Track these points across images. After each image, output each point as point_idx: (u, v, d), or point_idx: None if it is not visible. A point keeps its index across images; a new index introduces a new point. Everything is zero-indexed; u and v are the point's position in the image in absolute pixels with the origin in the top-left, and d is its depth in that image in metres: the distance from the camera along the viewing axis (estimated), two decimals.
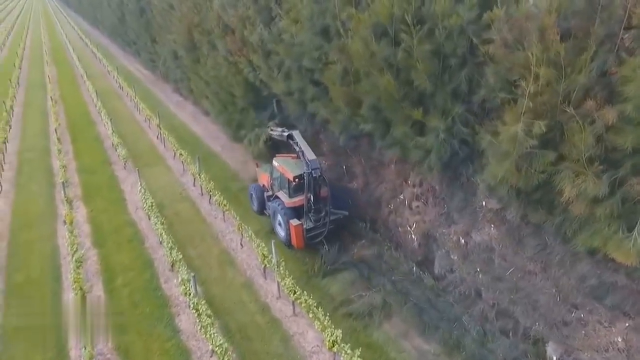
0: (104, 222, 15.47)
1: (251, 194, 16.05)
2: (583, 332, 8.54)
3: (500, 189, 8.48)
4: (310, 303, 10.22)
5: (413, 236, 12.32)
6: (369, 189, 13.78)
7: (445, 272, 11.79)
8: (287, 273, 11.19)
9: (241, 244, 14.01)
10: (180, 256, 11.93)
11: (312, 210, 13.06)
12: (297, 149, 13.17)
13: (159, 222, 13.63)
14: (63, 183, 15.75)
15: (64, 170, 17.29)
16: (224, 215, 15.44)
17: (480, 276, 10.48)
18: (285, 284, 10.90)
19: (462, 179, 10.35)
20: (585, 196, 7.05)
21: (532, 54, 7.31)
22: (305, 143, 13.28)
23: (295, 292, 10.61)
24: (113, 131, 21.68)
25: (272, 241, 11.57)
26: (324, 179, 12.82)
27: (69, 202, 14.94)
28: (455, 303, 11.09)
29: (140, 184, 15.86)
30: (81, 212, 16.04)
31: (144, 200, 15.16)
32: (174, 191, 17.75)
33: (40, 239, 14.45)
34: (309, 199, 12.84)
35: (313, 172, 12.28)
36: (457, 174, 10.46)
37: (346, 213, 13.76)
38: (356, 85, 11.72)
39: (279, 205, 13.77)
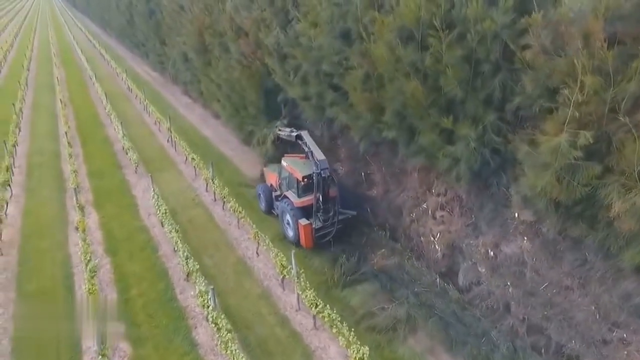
0: (116, 228, 15.16)
1: (259, 194, 16.09)
2: (625, 352, 8.10)
3: (538, 201, 8.07)
4: (334, 317, 9.84)
5: (437, 246, 11.92)
6: (389, 197, 13.39)
7: (470, 284, 11.39)
8: (307, 285, 10.81)
9: (257, 253, 13.65)
10: (197, 266, 11.55)
11: (321, 210, 13.12)
12: (306, 149, 13.22)
13: (174, 230, 13.28)
14: (75, 189, 15.41)
15: (75, 175, 16.97)
16: (238, 222, 15.09)
17: (510, 290, 10.06)
18: (306, 296, 10.52)
19: (492, 189, 9.93)
20: (635, 212, 6.63)
21: (577, 61, 6.90)
22: (314, 143, 13.31)
23: (317, 305, 10.23)
24: (124, 134, 21.38)
25: (292, 251, 11.20)
26: (332, 179, 12.91)
27: (81, 208, 14.62)
28: (483, 317, 10.68)
29: (153, 190, 15.53)
30: (92, 218, 15.74)
31: (157, 207, 14.83)
32: (186, 197, 17.43)
33: (51, 247, 14.14)
34: (318, 199, 12.87)
35: (322, 172, 12.34)
36: (487, 184, 10.05)
37: (354, 213, 13.78)
38: (379, 90, 11.35)
39: (287, 205, 13.81)
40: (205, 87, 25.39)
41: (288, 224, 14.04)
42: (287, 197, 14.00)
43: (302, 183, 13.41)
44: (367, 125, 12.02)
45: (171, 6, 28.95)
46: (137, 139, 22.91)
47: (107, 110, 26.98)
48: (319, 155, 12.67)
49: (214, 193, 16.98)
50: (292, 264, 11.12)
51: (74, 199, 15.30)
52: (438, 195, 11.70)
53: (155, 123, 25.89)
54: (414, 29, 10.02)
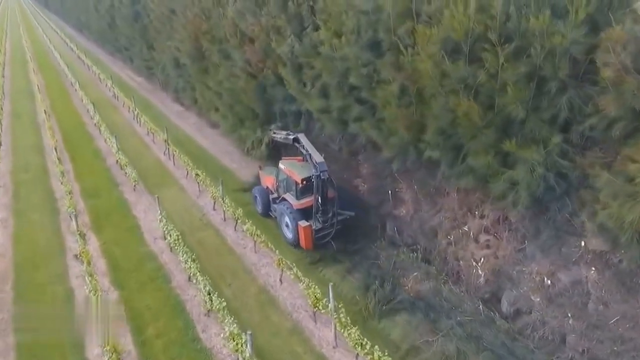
0: (120, 256, 13.86)
1: (255, 196, 16.12)
2: None
3: (620, 232, 7.37)
4: (381, 357, 8.93)
5: (480, 271, 11.16)
6: (421, 217, 12.57)
7: (515, 311, 10.70)
8: (348, 321, 9.87)
9: (280, 280, 12.61)
10: (224, 304, 10.43)
11: (320, 211, 13.25)
12: (304, 152, 13.38)
13: (189, 259, 12.12)
14: (74, 215, 13.96)
15: (71, 197, 15.54)
16: (255, 245, 14.02)
17: (570, 321, 9.36)
18: (349, 334, 9.58)
19: (551, 214, 9.22)
20: None
21: None
22: (312, 146, 13.46)
23: (362, 345, 9.30)
24: (118, 149, 19.94)
25: (330, 284, 10.23)
26: (331, 181, 13.03)
27: (82, 236, 13.26)
28: (536, 348, 9.96)
29: (160, 212, 14.29)
30: (93, 245, 14.38)
31: (166, 231, 13.62)
32: (192, 217, 16.22)
33: (50, 279, 12.76)
34: (317, 201, 13.03)
35: (321, 174, 12.50)
36: (544, 209, 9.34)
37: (352, 214, 13.89)
38: (419, 106, 10.52)
39: (286, 207, 13.96)
40: (200, 95, 24.17)
41: (287, 226, 14.10)
42: (286, 200, 14.09)
43: (301, 185, 13.50)
44: (402, 143, 11.18)
45: (160, 9, 27.53)
46: (131, 152, 21.45)
47: (95, 120, 25.34)
48: (318, 157, 12.79)
49: (224, 212, 15.83)
50: (329, 298, 10.17)
51: (73, 224, 13.89)
52: (481, 217, 10.96)
53: (148, 133, 24.43)
54: (462, 42, 9.24)
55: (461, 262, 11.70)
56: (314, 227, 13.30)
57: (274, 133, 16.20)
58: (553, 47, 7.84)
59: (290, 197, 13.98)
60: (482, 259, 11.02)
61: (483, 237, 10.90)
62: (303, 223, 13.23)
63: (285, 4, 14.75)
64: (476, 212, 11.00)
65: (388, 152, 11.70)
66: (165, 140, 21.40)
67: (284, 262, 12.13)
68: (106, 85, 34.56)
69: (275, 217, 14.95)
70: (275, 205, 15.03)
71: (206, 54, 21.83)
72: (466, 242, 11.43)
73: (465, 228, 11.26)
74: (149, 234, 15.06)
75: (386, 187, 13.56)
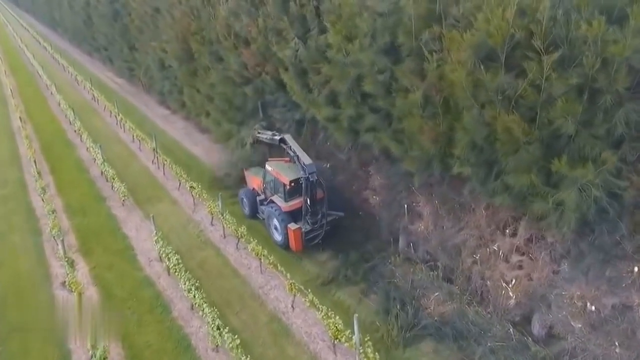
0: (113, 283, 12.64)
1: (242, 198, 15.89)
2: None
3: None
4: None
5: (510, 293, 10.40)
6: (443, 234, 11.73)
7: (547, 335, 10.06)
8: (377, 356, 8.99)
9: (292, 306, 11.63)
10: (238, 341, 9.38)
11: (309, 213, 13.13)
12: (291, 153, 13.28)
13: (192, 286, 11.00)
14: (60, 240, 12.62)
15: (54, 217, 14.15)
16: (261, 265, 12.99)
17: (617, 350, 8.69)
18: None
19: (597, 236, 8.49)
20: None
21: None
22: (299, 147, 13.38)
23: None
24: (104, 160, 18.51)
25: (355, 316, 9.30)
26: (320, 183, 12.88)
27: (70, 263, 11.97)
28: None
29: (156, 233, 13.09)
30: (82, 270, 13.11)
31: (163, 253, 12.44)
32: (189, 234, 15.05)
33: (36, 316, 11.45)
34: (307, 203, 12.90)
35: (310, 176, 12.44)
36: (588, 230, 8.60)
37: (342, 214, 13.76)
38: (446, 118, 9.64)
39: (274, 209, 13.78)
40: (189, 99, 22.84)
41: (276, 228, 13.93)
42: (274, 202, 13.93)
43: (289, 187, 13.34)
44: (425, 157, 10.30)
45: (142, 8, 25.98)
46: (116, 162, 20.03)
47: (76, 127, 23.70)
48: (306, 159, 12.73)
49: (223, 228, 14.72)
50: (353, 330, 9.26)
51: (59, 248, 12.57)
52: (512, 236, 10.19)
53: (134, 140, 23.00)
54: (499, 49, 8.39)
55: (488, 282, 10.93)
56: (303, 230, 13.22)
57: (259, 133, 15.78)
58: (609, 57, 7.06)
59: (278, 200, 13.83)
60: (514, 280, 10.26)
61: (515, 258, 10.13)
62: (293, 226, 13.19)
63: (286, 4, 13.69)
64: (507, 231, 10.23)
65: (409, 166, 10.80)
66: (153, 149, 20.06)
67: (296, 287, 11.15)
68: (84, 87, 32.74)
69: (263, 219, 14.71)
70: (262, 207, 14.86)
71: (195, 55, 20.57)
72: (495, 262, 10.65)
73: (495, 247, 10.47)
74: (143, 256, 13.86)
75: (401, 201, 12.68)
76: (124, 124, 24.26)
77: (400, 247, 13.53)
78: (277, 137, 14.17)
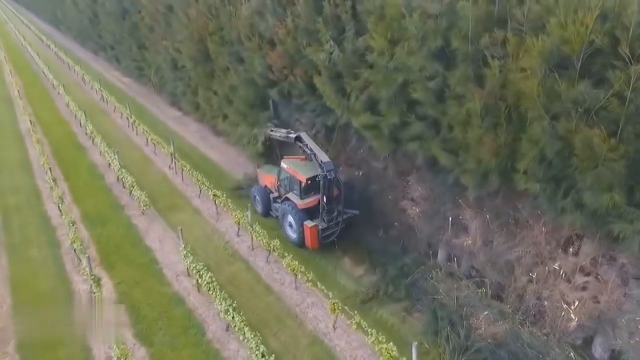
0: (141, 301, 11.93)
1: (254, 196, 15.99)
2: None
3: None
4: None
5: (572, 315, 9.73)
6: (493, 249, 11.03)
7: (608, 359, 9.41)
8: None
9: (334, 326, 10.95)
10: None
11: (325, 211, 13.16)
12: (308, 151, 13.34)
13: (229, 307, 10.29)
14: (86, 256, 11.86)
15: (75, 229, 13.40)
16: (296, 282, 12.30)
17: None
18: None
19: None
20: None
21: None
22: (315, 144, 13.45)
23: None
24: (121, 166, 17.76)
25: (414, 344, 8.63)
26: (338, 180, 12.90)
27: (97, 281, 11.25)
28: None
29: (184, 247, 12.38)
30: (106, 286, 12.39)
31: (194, 270, 11.73)
32: (215, 246, 14.35)
33: (62, 340, 10.71)
34: (323, 200, 12.93)
35: (328, 174, 12.44)
36: None
37: (357, 212, 13.72)
38: (510, 129, 8.93)
39: (290, 207, 13.80)
40: (204, 101, 22.09)
41: (290, 225, 14.00)
42: (289, 199, 13.91)
43: (305, 185, 13.37)
44: (483, 170, 9.60)
45: (153, 6, 25.18)
46: (132, 167, 19.25)
47: (88, 130, 22.90)
48: (323, 157, 12.79)
49: (251, 239, 14.01)
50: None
51: (84, 264, 11.85)
52: (575, 255, 9.51)
53: (148, 144, 22.24)
54: (574, 56, 7.69)
55: (546, 302, 10.25)
56: (319, 227, 13.21)
57: (271, 131, 15.84)
58: None
59: (293, 197, 13.82)
60: (577, 302, 9.58)
61: (579, 278, 9.46)
62: (309, 223, 13.20)
63: (318, 3, 12.93)
64: (570, 249, 9.54)
65: (464, 180, 10.09)
66: (171, 154, 19.30)
67: (339, 307, 10.46)
68: (92, 87, 31.91)
69: (277, 217, 14.78)
70: (276, 205, 14.99)
71: (213, 56, 19.82)
72: (554, 281, 9.97)
73: (555, 266, 9.79)
74: (170, 270, 13.16)
75: (445, 213, 11.98)
76: (136, 127, 23.46)
77: (439, 260, 12.88)
78: (293, 135, 14.10)
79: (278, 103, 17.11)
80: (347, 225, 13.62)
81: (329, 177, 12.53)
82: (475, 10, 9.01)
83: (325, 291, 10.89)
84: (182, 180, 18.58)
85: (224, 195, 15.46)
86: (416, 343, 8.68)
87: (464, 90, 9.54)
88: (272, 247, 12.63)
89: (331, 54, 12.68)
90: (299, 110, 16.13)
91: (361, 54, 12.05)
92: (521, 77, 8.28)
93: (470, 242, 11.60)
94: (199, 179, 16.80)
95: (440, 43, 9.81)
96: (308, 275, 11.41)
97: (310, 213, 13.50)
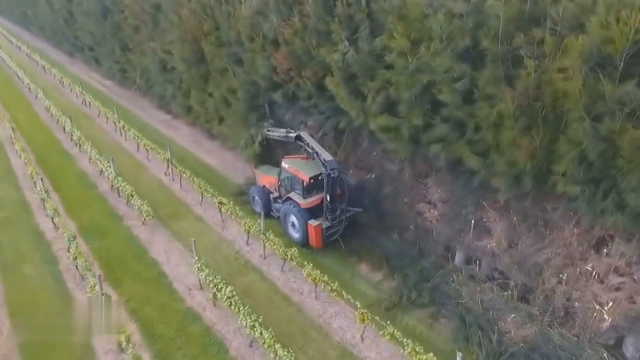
0: (154, 318, 11.24)
1: (253, 197, 15.90)
2: None
3: None
4: None
5: (605, 316, 9.67)
6: (519, 251, 10.88)
7: None
8: None
9: (362, 337, 10.58)
10: None
11: (329, 209, 13.12)
12: (310, 150, 13.26)
13: (255, 322, 9.77)
14: (97, 273, 11.10)
15: (76, 245, 12.53)
16: (316, 292, 11.88)
17: None
18: None
19: None
20: None
21: None
22: (316, 143, 13.43)
23: None
24: (117, 174, 16.86)
25: (458, 355, 8.35)
26: (341, 179, 12.96)
27: (108, 300, 10.51)
28: None
29: (197, 258, 11.76)
30: (114, 305, 11.61)
31: (211, 283, 11.14)
32: (226, 256, 13.75)
33: None
34: (327, 199, 12.90)
35: (331, 172, 12.44)
36: None
37: (360, 210, 13.77)
38: (545, 130, 8.76)
39: (293, 206, 13.72)
40: (198, 103, 21.35)
41: (293, 225, 13.95)
42: (292, 199, 13.82)
43: (307, 184, 13.34)
44: (517, 172, 9.41)
45: (138, 5, 24.20)
46: (125, 174, 18.24)
47: (72, 136, 21.75)
48: (327, 155, 12.79)
49: (263, 248, 13.49)
50: None
51: (91, 282, 11.07)
52: (608, 255, 9.45)
53: (139, 149, 21.31)
54: (617, 56, 7.56)
55: (576, 303, 10.17)
56: (324, 226, 13.19)
57: (268, 130, 15.72)
58: None
59: (296, 197, 13.75)
60: (611, 303, 9.53)
61: (613, 279, 9.40)
62: (313, 222, 13.21)
63: (328, 3, 12.54)
64: (604, 250, 9.47)
65: (495, 182, 9.89)
66: (168, 160, 18.51)
67: (368, 317, 10.10)
68: (71, 90, 30.50)
69: (278, 217, 14.61)
70: (277, 205, 14.91)
71: (208, 58, 19.12)
72: (585, 282, 9.89)
73: (588, 267, 9.71)
74: (180, 284, 12.51)
75: (467, 216, 11.79)
76: (125, 132, 22.46)
77: (457, 263, 12.70)
78: (293, 134, 14.00)
79: (275, 104, 16.77)
80: (350, 224, 13.64)
81: (332, 176, 12.52)
82: (508, 9, 8.80)
83: (352, 301, 10.52)
84: (181, 187, 17.83)
85: (230, 202, 14.87)
86: (461, 354, 8.37)
87: (494, 91, 9.34)
88: (289, 256, 12.16)
89: (345, 54, 12.30)
90: (304, 113, 15.69)
91: (377, 54, 11.73)
92: (560, 78, 8.11)
93: (494, 244, 11.45)
94: (201, 185, 16.12)
95: (468, 43, 9.58)
96: (332, 284, 11.01)
97: (313, 212, 13.47)
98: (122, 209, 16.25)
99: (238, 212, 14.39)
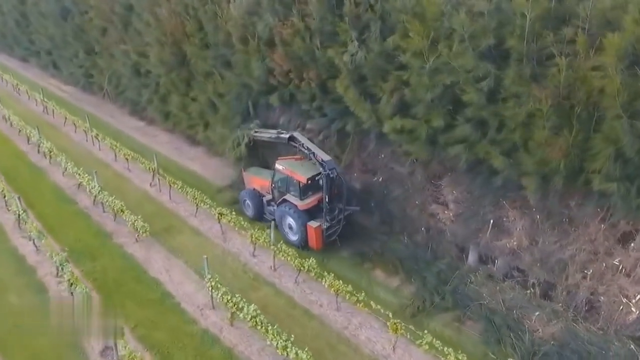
0: (169, 345, 10.33)
1: (244, 200, 15.41)
2: None
3: None
4: None
5: (633, 308, 9.85)
6: (541, 249, 10.91)
7: None
8: None
9: (393, 348, 10.23)
10: None
11: (328, 210, 13.00)
12: (305, 150, 13.10)
13: (288, 342, 9.17)
14: (88, 298, 10.05)
15: (71, 272, 11.32)
16: (337, 303, 11.41)
17: None
18: None
19: None
20: None
21: None
22: (311, 143, 13.33)
23: None
24: (101, 188, 15.56)
25: None
26: (340, 179, 12.78)
27: (121, 334, 9.52)
28: None
29: (210, 277, 10.97)
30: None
31: (231, 304, 10.39)
32: (233, 270, 12.99)
33: None
34: (326, 199, 12.80)
35: (330, 172, 12.31)
36: None
37: (357, 208, 13.62)
38: (581, 128, 8.74)
39: (290, 208, 13.48)
40: (179, 109, 20.27)
41: (290, 228, 13.72)
42: (288, 201, 13.57)
43: (305, 185, 13.06)
44: (550, 171, 9.37)
45: (105, 5, 22.69)
46: (106, 187, 16.82)
47: (41, 148, 19.96)
48: (324, 156, 12.67)
49: (273, 258, 12.85)
50: None
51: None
52: (635, 249, 9.61)
53: (116, 159, 19.93)
54: None
55: (602, 297, 10.31)
56: (323, 227, 13.03)
57: (255, 132, 15.41)
58: None
59: (292, 198, 13.50)
60: (638, 296, 9.71)
61: None
62: (313, 224, 13.07)
63: (336, 2, 12.11)
64: (631, 244, 9.62)
65: (527, 182, 9.81)
66: (153, 170, 17.39)
67: (401, 327, 9.75)
68: (29, 98, 28.22)
69: (272, 220, 13.86)
70: (271, 208, 14.60)
71: (192, 61, 18.14)
72: (612, 277, 10.04)
73: (615, 261, 9.84)
74: (189, 304, 11.65)
75: (486, 215, 11.71)
76: (99, 141, 20.95)
77: (470, 263, 12.64)
78: (286, 135, 13.79)
79: (262, 106, 16.17)
80: (347, 223, 13.49)
81: (331, 176, 12.35)
82: (535, 7, 8.73)
83: (383, 310, 10.13)
84: (170, 198, 16.77)
85: (232, 212, 14.11)
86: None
87: (522, 90, 9.25)
88: (307, 267, 11.61)
89: (353, 55, 11.88)
90: (303, 116, 15.12)
91: (388, 54, 11.42)
92: (595, 76, 8.10)
93: (515, 242, 11.43)
94: (196, 196, 15.20)
95: (491, 42, 9.44)
96: (357, 295, 10.58)
97: (310, 213, 13.30)
98: (110, 225, 15.04)
99: (242, 222, 13.66)
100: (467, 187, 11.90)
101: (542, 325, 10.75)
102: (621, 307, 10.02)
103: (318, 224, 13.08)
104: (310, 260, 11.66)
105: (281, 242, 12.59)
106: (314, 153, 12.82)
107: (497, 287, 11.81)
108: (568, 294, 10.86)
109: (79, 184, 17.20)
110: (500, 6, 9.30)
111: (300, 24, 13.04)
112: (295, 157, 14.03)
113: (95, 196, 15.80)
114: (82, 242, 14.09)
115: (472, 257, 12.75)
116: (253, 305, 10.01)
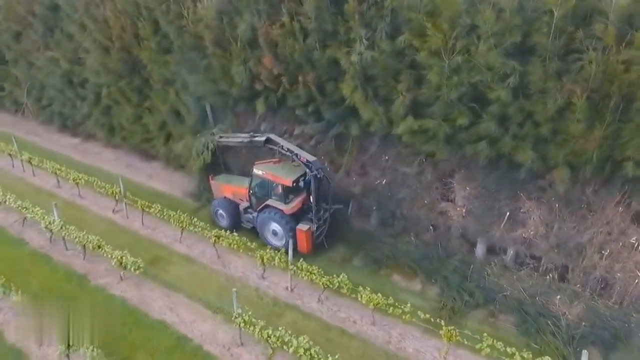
0: None
1: (217, 210, 14.53)
2: None
3: None
4: None
5: None
6: (557, 235, 11.41)
7: None
8: None
9: (445, 357, 9.94)
10: None
11: (314, 211, 12.76)
12: (285, 152, 12.73)
13: None
14: None
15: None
16: (373, 317, 10.86)
17: None
18: None
19: None
20: None
21: None
22: (290, 144, 12.99)
23: None
24: (63, 224, 13.09)
25: (584, 353, 8.30)
26: (327, 179, 12.81)
27: None
28: None
29: (241, 313, 9.75)
30: None
31: (273, 339, 9.31)
32: (248, 298, 11.72)
33: None
34: (314, 201, 12.56)
35: (317, 172, 12.13)
36: None
37: (341, 206, 13.56)
38: (610, 120, 9.16)
39: (274, 214, 13.00)
40: (129, 122, 18.09)
41: (275, 233, 13.28)
42: (271, 206, 13.08)
43: (290, 188, 12.69)
44: (582, 162, 9.73)
45: (21, 6, 19.41)
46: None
47: None
48: (308, 156, 12.42)
49: (290, 278, 11.90)
50: None
51: None
52: None
53: (60, 186, 17.14)
54: None
55: (618, 274, 11.07)
56: (313, 229, 12.81)
57: (221, 137, 14.73)
58: None
59: (276, 203, 13.02)
60: None
61: None
62: (303, 227, 12.76)
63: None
64: None
65: (558, 174, 10.09)
66: (117, 194, 15.20)
67: (455, 334, 9.52)
68: None
69: (252, 228, 13.80)
70: (249, 215, 14.00)
71: (149, 67, 16.15)
72: (628, 254, 10.82)
73: (633, 240, 10.60)
74: (212, 345, 10.28)
75: (502, 209, 11.95)
76: (32, 166, 17.84)
77: (479, 255, 12.91)
78: (262, 138, 13.27)
79: (218, 112, 15.52)
80: (332, 221, 13.44)
81: (318, 176, 12.11)
82: (564, 3, 8.93)
83: (442, 323, 9.67)
84: (143, 224, 14.79)
85: (228, 232, 12.80)
86: (587, 352, 8.33)
87: (551, 86, 9.46)
88: (337, 284, 10.87)
89: (360, 54, 11.30)
90: (290, 122, 14.22)
91: (399, 52, 11.06)
92: (626, 69, 8.50)
93: (531, 232, 11.83)
94: (182, 219, 13.54)
95: (518, 39, 9.52)
96: (402, 307, 10.13)
97: (295, 217, 12.98)
98: (80, 265, 12.80)
99: (247, 243, 12.47)
100: (481, 182, 12.04)
101: (566, 307, 11.27)
102: (637, 281, 10.86)
103: (307, 226, 12.76)
104: (341, 277, 10.91)
105: (301, 259, 11.63)
106: (296, 154, 12.40)
107: (514, 276, 12.17)
108: (584, 275, 11.53)
109: (23, 220, 14.44)
110: (526, 3, 9.36)
111: (293, 23, 12.10)
112: (272, 160, 13.54)
113: (52, 233, 13.31)
114: (53, 290, 11.79)
115: (480, 250, 12.99)
116: (303, 336, 9.04)
